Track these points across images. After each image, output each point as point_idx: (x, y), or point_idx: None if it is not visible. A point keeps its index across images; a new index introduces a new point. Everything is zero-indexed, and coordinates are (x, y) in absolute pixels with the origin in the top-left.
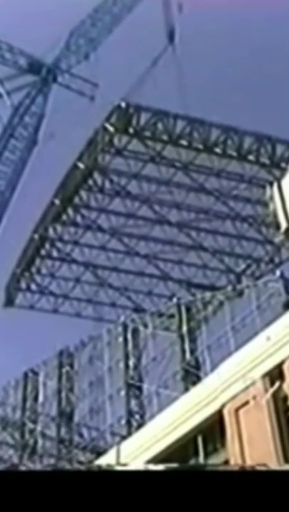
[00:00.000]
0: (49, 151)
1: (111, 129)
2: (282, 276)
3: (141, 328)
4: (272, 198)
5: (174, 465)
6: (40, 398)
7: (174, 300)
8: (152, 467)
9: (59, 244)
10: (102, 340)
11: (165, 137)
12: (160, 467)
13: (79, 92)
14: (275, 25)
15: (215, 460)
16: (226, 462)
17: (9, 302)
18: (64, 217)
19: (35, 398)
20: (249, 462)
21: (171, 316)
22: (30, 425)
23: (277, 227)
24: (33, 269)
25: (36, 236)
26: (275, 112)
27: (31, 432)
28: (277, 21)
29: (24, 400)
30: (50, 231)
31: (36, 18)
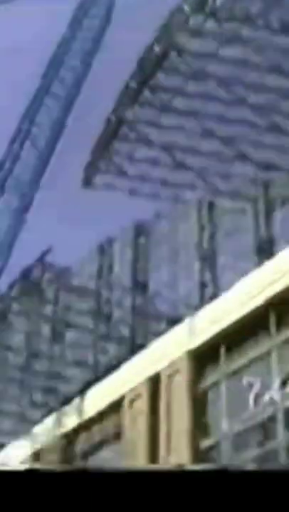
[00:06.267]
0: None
1: (187, 8)
2: None
3: (216, 203)
4: None
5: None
6: (116, 269)
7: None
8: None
9: (136, 126)
10: (177, 214)
11: (242, 17)
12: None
13: None
14: None
15: (286, 333)
16: None
17: (87, 183)
18: (141, 98)
19: (110, 268)
20: None
21: (247, 194)
22: (105, 294)
23: None
24: (111, 151)
25: (113, 117)
26: None
27: (107, 301)
28: None
29: (100, 270)
30: (127, 113)
31: None
